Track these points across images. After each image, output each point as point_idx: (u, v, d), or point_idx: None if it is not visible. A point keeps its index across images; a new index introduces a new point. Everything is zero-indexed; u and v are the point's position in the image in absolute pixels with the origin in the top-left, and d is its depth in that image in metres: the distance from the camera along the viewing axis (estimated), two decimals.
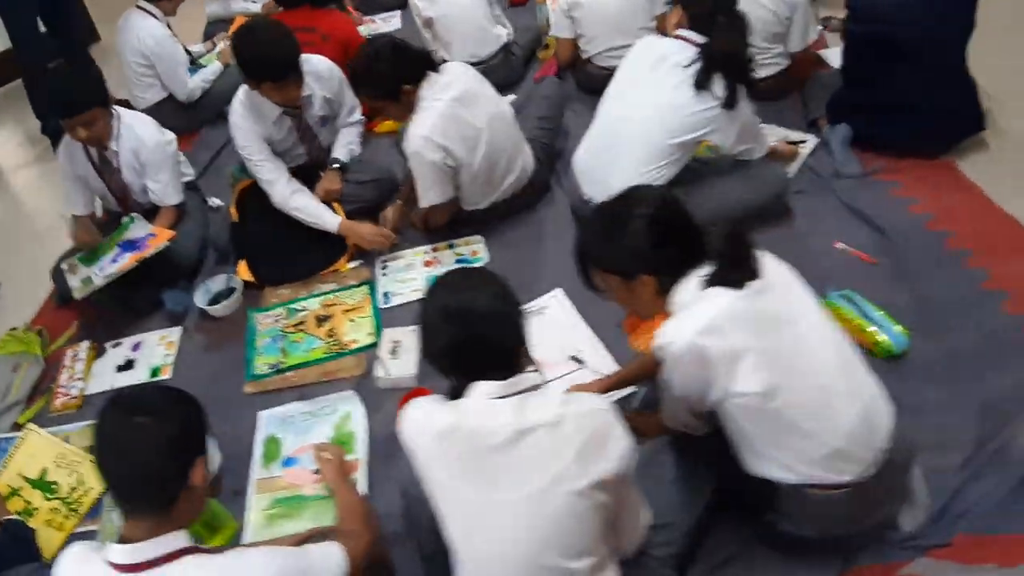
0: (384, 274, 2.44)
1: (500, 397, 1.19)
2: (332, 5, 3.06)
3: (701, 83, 1.99)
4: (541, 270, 2.33)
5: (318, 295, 2.42)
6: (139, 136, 2.47)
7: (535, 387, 1.23)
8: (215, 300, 2.45)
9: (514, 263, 2.34)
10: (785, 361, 1.29)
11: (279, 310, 2.39)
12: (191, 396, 1.29)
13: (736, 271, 1.32)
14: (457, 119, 2.18)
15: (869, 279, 2.10)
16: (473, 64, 2.92)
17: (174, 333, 2.45)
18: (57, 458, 2.01)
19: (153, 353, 2.40)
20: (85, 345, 2.45)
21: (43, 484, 1.99)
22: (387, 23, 3.89)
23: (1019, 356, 1.84)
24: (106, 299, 2.48)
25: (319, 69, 2.46)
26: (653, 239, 1.34)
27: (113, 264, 2.40)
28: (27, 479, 2.00)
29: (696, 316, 1.28)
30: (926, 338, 1.91)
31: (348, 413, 2.01)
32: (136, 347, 2.44)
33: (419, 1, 3.07)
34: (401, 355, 2.10)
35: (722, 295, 1.29)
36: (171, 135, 2.61)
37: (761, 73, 2.74)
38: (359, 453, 1.91)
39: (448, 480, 1.22)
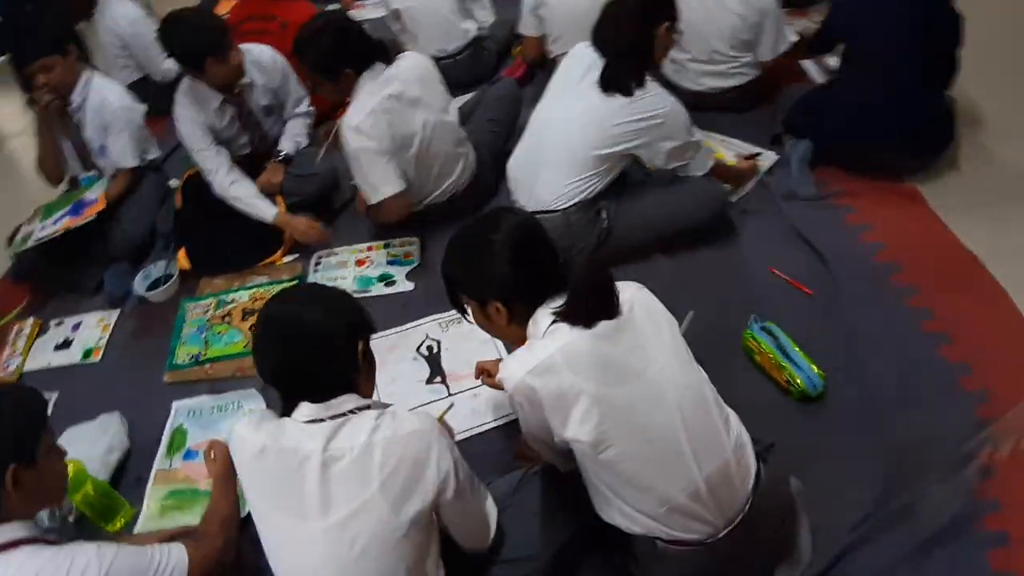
0: (316, 270, 2.42)
1: (313, 420, 1.16)
2: None
3: (605, 82, 1.93)
4: None
5: (250, 287, 2.41)
6: (105, 96, 2.49)
7: (355, 411, 1.18)
8: (154, 285, 2.47)
9: None
10: (621, 414, 1.20)
11: (209, 300, 2.40)
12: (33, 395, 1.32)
13: (586, 308, 1.24)
14: (390, 116, 2.12)
15: (801, 310, 2.00)
16: (440, 59, 2.89)
17: (111, 316, 2.48)
18: None
19: (89, 335, 2.43)
20: (30, 322, 2.50)
21: None
22: (376, 9, 3.84)
23: (945, 405, 1.72)
24: (51, 276, 2.52)
25: (261, 59, 2.43)
26: (505, 266, 1.28)
27: (54, 225, 2.44)
28: None
29: (532, 353, 1.22)
30: (849, 379, 1.80)
31: (250, 412, 2.00)
32: (76, 327, 2.47)
33: None
34: None
35: (566, 333, 1.22)
36: (141, 106, 2.64)
37: (727, 83, 2.64)
38: None
39: (259, 502, 1.19)
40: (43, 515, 1.70)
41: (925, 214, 2.23)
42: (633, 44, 1.93)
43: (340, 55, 2.07)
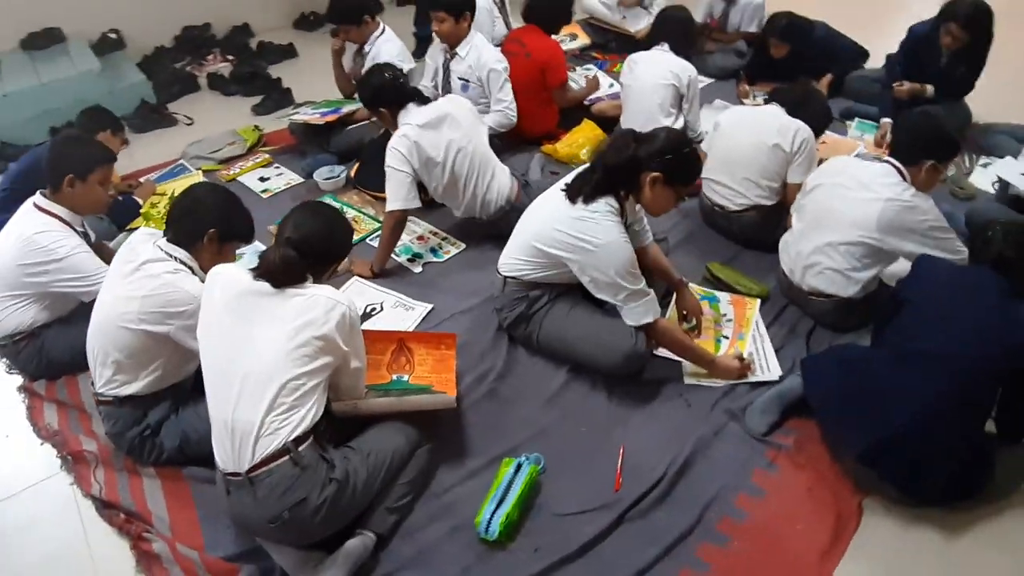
0: None
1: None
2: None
3: (568, 184, 2.10)
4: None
5: (368, 214, 3.18)
6: (380, 50, 3.41)
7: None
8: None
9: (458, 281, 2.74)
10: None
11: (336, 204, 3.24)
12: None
13: None
14: (420, 141, 2.56)
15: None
16: None
17: (295, 181, 3.48)
18: None
19: (275, 182, 3.48)
20: (264, 157, 3.65)
21: None
22: None
23: None
24: (305, 141, 3.64)
25: (483, 55, 3.24)
26: None
27: (312, 114, 3.54)
28: (169, 198, 3.30)
29: None
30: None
31: None
32: (278, 176, 3.55)
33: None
34: None
35: None
36: (407, 64, 3.49)
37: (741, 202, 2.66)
38: None
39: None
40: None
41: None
42: (613, 169, 2.03)
43: (378, 95, 2.63)
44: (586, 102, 3.62)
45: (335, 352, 1.69)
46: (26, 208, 2.26)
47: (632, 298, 2.08)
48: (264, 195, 3.38)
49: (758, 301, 2.51)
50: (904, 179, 2.19)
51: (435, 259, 2.86)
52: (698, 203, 2.94)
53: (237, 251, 2.07)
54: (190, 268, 1.94)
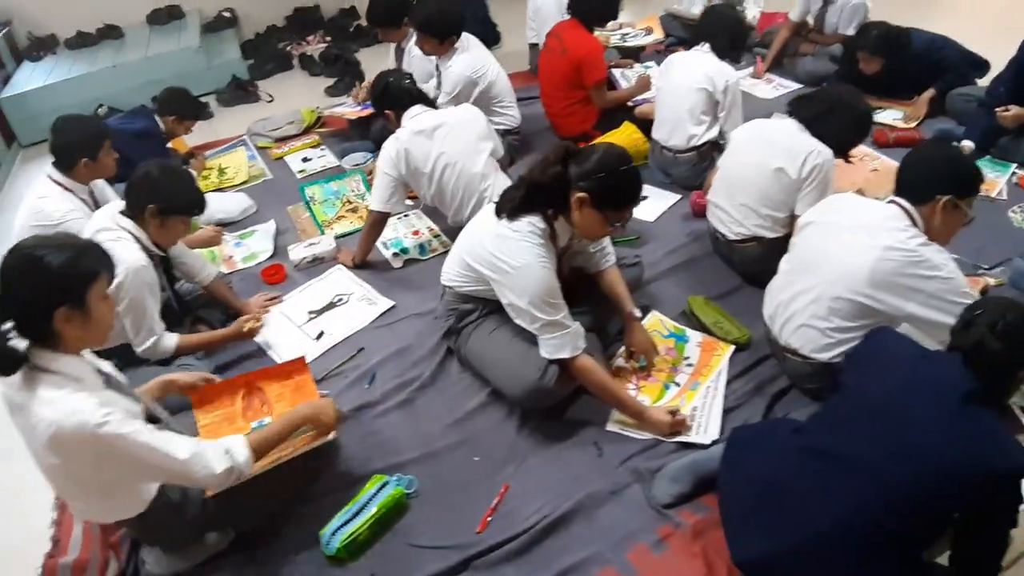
0: (401, 217, 3.01)
1: None
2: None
3: (497, 207, 1.93)
4: None
5: None
6: (413, 52, 3.39)
7: None
8: None
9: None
10: None
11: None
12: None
13: None
14: (410, 147, 2.49)
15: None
16: None
17: (332, 164, 3.57)
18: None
19: (312, 164, 3.59)
20: (314, 139, 3.77)
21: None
22: None
23: None
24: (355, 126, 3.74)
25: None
26: None
27: (353, 108, 3.66)
28: (218, 171, 3.54)
29: None
30: None
31: None
32: (318, 158, 3.65)
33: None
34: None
35: None
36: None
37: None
38: None
39: None
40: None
41: None
42: (537, 186, 1.84)
43: (382, 100, 2.62)
44: (631, 103, 3.34)
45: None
46: (41, 178, 2.50)
47: (547, 329, 1.88)
48: (300, 175, 3.49)
49: (730, 349, 2.18)
50: (914, 223, 1.78)
51: (419, 256, 2.80)
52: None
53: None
54: (136, 237, 2.06)
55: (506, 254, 1.87)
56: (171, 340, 2.15)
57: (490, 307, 2.09)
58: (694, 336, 2.25)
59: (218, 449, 1.50)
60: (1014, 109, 2.76)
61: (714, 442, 1.89)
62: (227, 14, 5.01)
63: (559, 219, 1.90)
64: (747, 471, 1.61)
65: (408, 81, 2.67)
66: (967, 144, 2.84)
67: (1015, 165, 2.90)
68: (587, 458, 1.92)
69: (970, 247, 2.46)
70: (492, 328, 2.08)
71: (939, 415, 1.34)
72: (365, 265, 2.77)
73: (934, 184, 1.75)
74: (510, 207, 1.89)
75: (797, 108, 2.26)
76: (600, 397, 1.98)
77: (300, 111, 3.96)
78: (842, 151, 2.23)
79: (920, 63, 3.21)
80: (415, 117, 2.55)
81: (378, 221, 2.66)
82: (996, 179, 2.86)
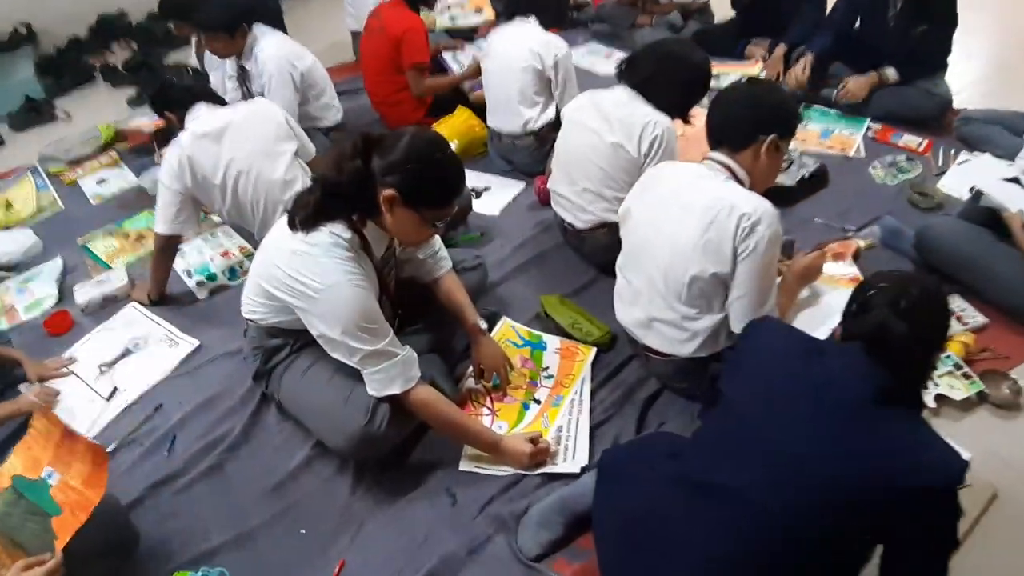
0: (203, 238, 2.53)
1: None
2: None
3: (289, 216, 1.56)
4: None
5: None
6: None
7: None
8: None
9: None
10: None
11: None
12: None
13: None
14: (194, 154, 2.06)
15: None
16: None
17: None
18: None
19: None
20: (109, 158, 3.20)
21: None
22: None
23: None
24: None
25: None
26: None
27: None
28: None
29: None
30: None
31: None
32: None
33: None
34: None
35: None
36: None
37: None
38: None
39: None
40: None
41: None
42: (334, 186, 1.48)
43: (159, 100, 2.18)
44: (466, 87, 3.02)
45: None
46: None
47: (370, 361, 1.52)
48: (95, 200, 2.94)
49: (592, 351, 1.92)
50: (734, 176, 1.57)
51: (229, 281, 2.34)
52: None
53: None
54: None
55: (305, 275, 1.49)
56: None
57: (301, 340, 1.69)
58: (552, 341, 1.97)
59: None
60: (851, 83, 2.71)
61: (584, 469, 1.61)
62: (23, 30, 4.23)
63: (368, 224, 1.55)
64: (621, 508, 1.33)
65: (197, 80, 2.22)
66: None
67: (869, 120, 2.79)
68: (438, 512, 1.58)
69: (834, 210, 2.35)
70: (306, 366, 1.69)
71: (843, 423, 1.10)
72: (163, 300, 2.29)
73: (757, 125, 1.55)
74: (303, 216, 1.50)
75: (625, 73, 2.00)
76: (447, 434, 1.65)
77: (98, 127, 3.35)
78: (682, 112, 2.00)
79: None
80: (198, 119, 2.10)
81: (166, 246, 2.18)
82: (851, 136, 2.74)
